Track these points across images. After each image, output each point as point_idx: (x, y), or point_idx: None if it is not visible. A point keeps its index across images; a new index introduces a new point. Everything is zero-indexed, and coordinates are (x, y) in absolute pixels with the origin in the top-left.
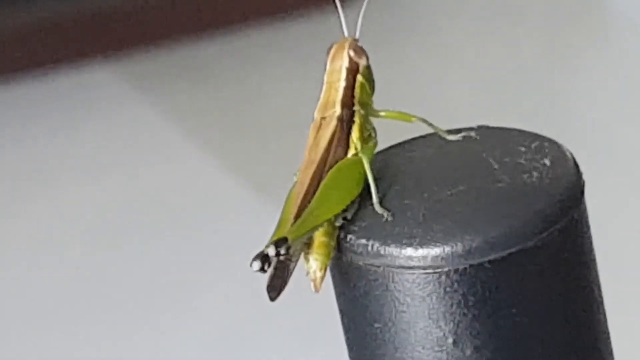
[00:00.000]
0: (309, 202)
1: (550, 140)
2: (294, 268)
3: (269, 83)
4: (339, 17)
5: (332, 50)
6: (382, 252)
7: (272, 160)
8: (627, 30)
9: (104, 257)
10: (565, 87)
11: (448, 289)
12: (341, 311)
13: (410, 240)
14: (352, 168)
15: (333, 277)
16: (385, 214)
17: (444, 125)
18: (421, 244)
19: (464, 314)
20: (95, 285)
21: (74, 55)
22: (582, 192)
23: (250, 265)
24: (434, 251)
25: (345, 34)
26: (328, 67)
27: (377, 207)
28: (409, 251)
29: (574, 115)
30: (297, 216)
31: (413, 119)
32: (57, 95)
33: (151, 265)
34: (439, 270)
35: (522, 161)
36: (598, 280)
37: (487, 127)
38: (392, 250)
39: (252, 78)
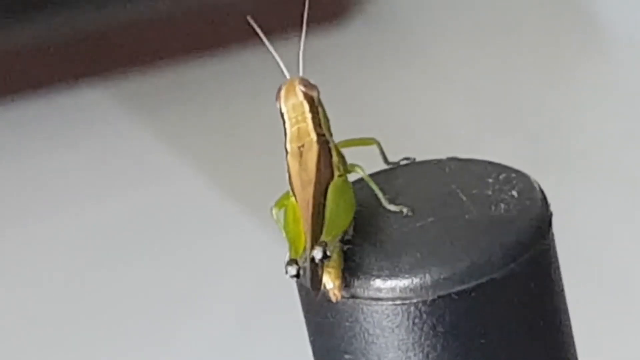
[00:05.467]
0: (319, 214)
1: (517, 172)
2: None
3: (261, 103)
4: (276, 60)
5: (283, 91)
6: (351, 283)
7: (264, 180)
8: (622, 44)
9: (94, 276)
10: (559, 104)
11: (417, 320)
12: (311, 341)
13: (378, 272)
14: (345, 186)
15: (303, 307)
16: (405, 210)
17: (433, 146)
18: (390, 276)
19: (433, 345)
20: (86, 306)
21: (66, 77)
22: (550, 224)
23: (286, 272)
24: (402, 283)
25: (286, 75)
26: (283, 106)
27: (390, 206)
28: (378, 283)
29: (568, 131)
30: (314, 229)
31: (372, 143)
32: (48, 116)
33: (141, 284)
34: (408, 301)
35: (490, 193)
36: (566, 310)
37: (456, 159)
38: (361, 282)
39: (244, 99)
